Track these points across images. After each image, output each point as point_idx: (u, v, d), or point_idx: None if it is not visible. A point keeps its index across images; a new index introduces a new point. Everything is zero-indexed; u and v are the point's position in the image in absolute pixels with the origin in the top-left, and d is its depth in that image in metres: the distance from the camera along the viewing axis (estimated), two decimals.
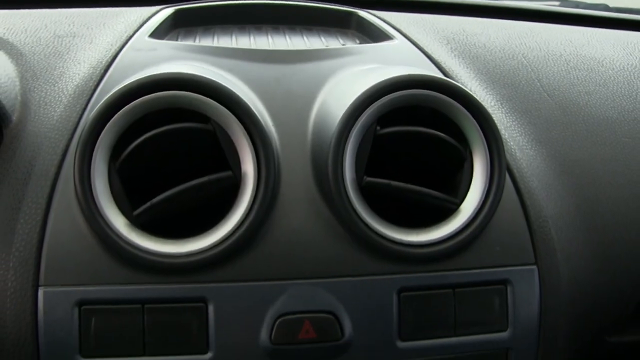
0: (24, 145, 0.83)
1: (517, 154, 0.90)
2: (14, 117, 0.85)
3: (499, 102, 0.98)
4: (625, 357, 1.00)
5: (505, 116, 0.96)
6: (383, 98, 0.78)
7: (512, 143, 0.91)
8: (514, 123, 0.96)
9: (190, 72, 0.76)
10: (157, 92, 0.75)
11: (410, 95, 0.78)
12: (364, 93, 0.77)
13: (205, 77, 0.76)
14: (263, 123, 0.77)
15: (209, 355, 0.76)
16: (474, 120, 0.80)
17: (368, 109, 0.78)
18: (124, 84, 0.75)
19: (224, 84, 0.76)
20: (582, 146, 0.97)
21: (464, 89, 0.79)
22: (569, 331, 0.88)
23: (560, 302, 0.85)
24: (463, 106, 0.79)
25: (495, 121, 0.80)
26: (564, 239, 0.88)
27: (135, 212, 0.73)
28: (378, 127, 0.78)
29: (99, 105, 0.75)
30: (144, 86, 0.75)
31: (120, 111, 0.74)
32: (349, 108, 0.77)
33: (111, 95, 0.75)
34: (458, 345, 0.81)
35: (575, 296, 0.88)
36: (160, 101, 0.75)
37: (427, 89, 0.79)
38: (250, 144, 0.76)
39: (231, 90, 0.76)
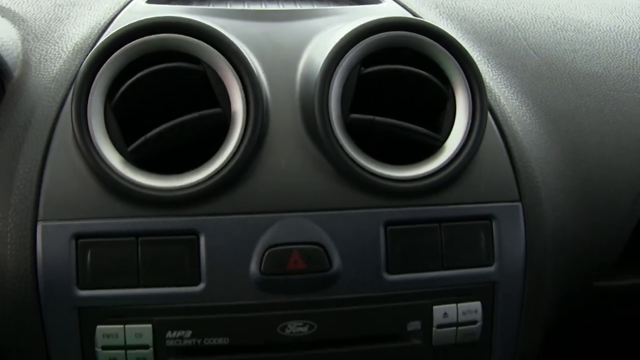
0: (25, 96, 0.87)
1: (502, 101, 0.93)
2: (16, 74, 0.89)
3: (485, 58, 1.01)
4: (612, 302, 1.01)
5: (491, 70, 0.99)
6: (365, 40, 0.81)
7: (496, 91, 0.94)
8: (499, 77, 0.98)
9: (181, 16, 0.80)
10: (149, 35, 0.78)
11: (391, 36, 0.82)
12: (346, 35, 0.81)
13: (195, 20, 0.79)
14: (252, 64, 0.80)
15: (201, 286, 0.78)
16: (455, 60, 0.82)
17: (351, 50, 0.81)
18: (119, 29, 0.79)
19: (213, 26, 0.80)
20: (568, 98, 0.99)
21: (443, 30, 0.82)
22: (555, 273, 0.89)
23: (545, 240, 0.87)
24: (443, 47, 0.82)
25: (477, 63, 0.83)
26: (548, 181, 0.90)
27: (130, 148, 0.77)
28: (362, 68, 0.81)
29: (94, 48, 0.79)
30: (137, 30, 0.79)
31: (115, 53, 0.78)
32: (332, 49, 0.81)
33: (106, 38, 0.79)
34: (445, 278, 0.83)
35: (560, 238, 0.89)
36: (153, 43, 0.79)
37: (408, 31, 0.82)
38: (240, 83, 0.79)
39: (220, 32, 0.80)
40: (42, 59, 0.91)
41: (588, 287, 0.96)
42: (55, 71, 0.89)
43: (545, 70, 1.02)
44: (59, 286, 0.78)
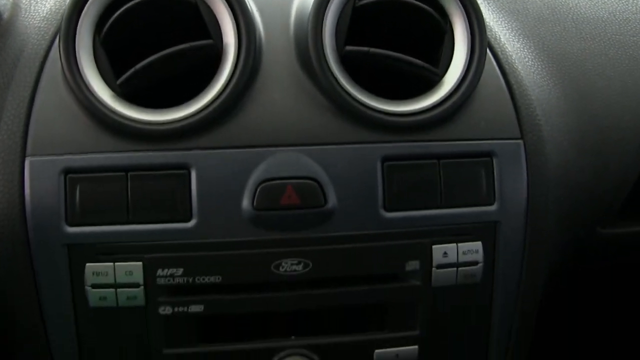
0: (15, 36, 0.85)
1: (502, 41, 0.90)
2: (5, 15, 0.88)
3: (485, 1, 0.98)
4: (615, 250, 0.98)
5: (492, 13, 0.96)
6: None
7: (497, 31, 0.91)
8: (501, 19, 0.96)
9: None
10: None
11: None
12: None
13: None
14: None
15: (193, 222, 0.76)
16: None
17: None
18: None
19: None
20: (571, 41, 0.96)
21: None
22: (559, 216, 0.87)
23: (547, 180, 0.84)
24: None
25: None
26: (551, 121, 0.87)
27: (119, 80, 0.74)
28: (357, 0, 0.79)
29: None
30: None
31: None
32: None
33: None
34: (444, 216, 0.80)
35: (564, 180, 0.87)
36: None
37: None
38: (231, 15, 0.77)
39: None
40: (32, 1, 0.89)
41: (592, 234, 0.93)
42: (45, 11, 0.87)
43: (549, 14, 0.99)
44: (48, 223, 0.76)
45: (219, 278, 0.77)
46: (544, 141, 0.85)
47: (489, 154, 0.82)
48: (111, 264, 0.76)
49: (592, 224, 0.92)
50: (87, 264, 0.76)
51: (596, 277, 1.06)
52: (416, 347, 0.83)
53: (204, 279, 0.77)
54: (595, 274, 1.03)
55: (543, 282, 0.88)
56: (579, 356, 1.32)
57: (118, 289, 0.77)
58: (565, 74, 0.93)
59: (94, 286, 0.76)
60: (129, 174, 0.76)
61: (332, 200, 0.78)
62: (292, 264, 0.78)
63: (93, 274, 0.76)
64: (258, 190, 0.76)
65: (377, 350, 0.82)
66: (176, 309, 0.78)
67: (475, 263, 0.82)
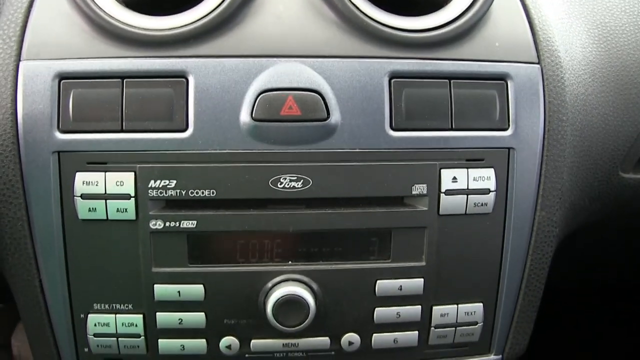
0: None
1: None
2: None
3: None
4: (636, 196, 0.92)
5: None
6: None
7: None
8: None
9: None
10: None
11: None
12: None
13: None
14: None
15: (189, 132, 0.73)
16: None
17: None
18: None
19: None
20: None
21: None
22: (578, 151, 0.82)
23: (565, 109, 0.79)
24: None
25: None
26: (571, 51, 0.83)
27: None
28: None
29: None
30: None
31: None
32: None
33: None
34: (455, 139, 0.76)
35: (583, 112, 0.82)
36: None
37: None
38: None
39: None
40: None
41: (613, 176, 0.87)
42: None
43: None
44: (39, 128, 0.73)
45: (213, 192, 0.73)
46: (562, 68, 0.80)
47: (503, 77, 0.77)
48: (102, 173, 0.73)
49: (613, 166, 0.87)
50: (77, 173, 0.73)
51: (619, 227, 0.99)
52: (421, 280, 0.78)
53: (197, 193, 0.73)
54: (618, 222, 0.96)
55: (561, 221, 0.82)
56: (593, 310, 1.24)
57: (108, 200, 0.73)
58: (587, 7, 0.88)
59: (83, 196, 0.73)
60: (124, 80, 0.73)
61: (336, 115, 0.74)
62: (291, 181, 0.74)
63: (83, 183, 0.73)
64: (257, 100, 0.73)
65: (379, 281, 0.77)
66: (167, 224, 0.74)
67: (487, 191, 0.77)
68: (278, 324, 0.74)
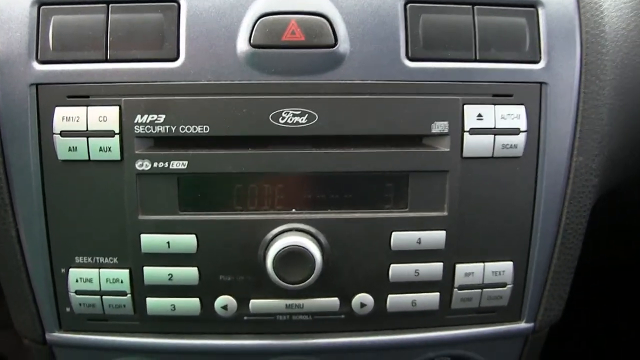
0: None
1: None
2: None
3: None
4: None
5: None
6: None
7: None
8: None
9: None
10: None
11: None
12: None
13: None
14: None
15: (180, 61, 0.66)
16: None
17: None
18: None
19: None
20: None
21: None
22: (619, 90, 0.72)
23: (604, 40, 0.70)
24: None
25: None
26: None
27: None
28: None
29: None
30: None
31: None
32: None
33: None
34: (479, 72, 0.67)
35: (624, 48, 0.73)
36: None
37: None
38: None
39: None
40: None
41: None
42: None
43: None
44: (15, 59, 0.66)
45: (206, 128, 0.65)
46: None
47: (533, 3, 0.68)
48: (83, 108, 0.65)
49: None
50: (57, 108, 0.66)
51: None
52: (443, 232, 0.69)
53: (189, 129, 0.65)
54: None
55: (600, 170, 0.72)
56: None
57: (90, 138, 0.65)
58: None
59: (63, 134, 0.66)
60: (109, 5, 0.66)
61: (344, 42, 0.65)
62: (294, 115, 0.65)
63: (63, 119, 0.65)
64: (256, 25, 0.65)
65: (395, 233, 0.68)
66: (156, 165, 0.66)
67: (517, 131, 0.68)
68: (279, 280, 0.65)
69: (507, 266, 0.71)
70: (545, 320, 0.76)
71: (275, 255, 0.65)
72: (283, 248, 0.65)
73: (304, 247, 0.65)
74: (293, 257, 0.65)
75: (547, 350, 0.80)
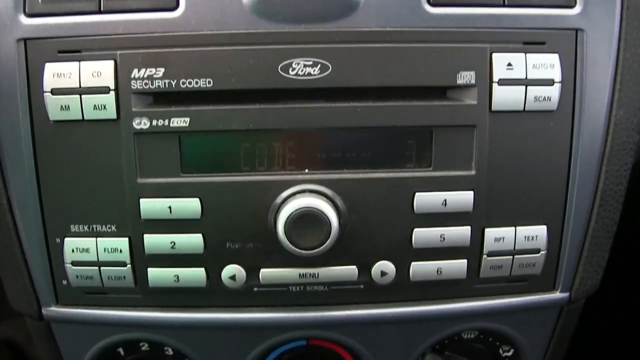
0: None
1: None
2: None
3: None
4: None
5: None
6: None
7: None
8: None
9: None
10: None
11: None
12: None
13: None
14: None
15: (179, 10, 0.61)
16: None
17: None
18: None
19: None
20: None
21: None
22: None
23: None
24: None
25: None
26: None
27: None
28: None
29: None
30: None
31: None
32: None
33: None
34: (509, 17, 0.62)
35: None
36: None
37: None
38: None
39: None
40: None
41: None
42: None
43: None
44: (1, 12, 0.61)
45: (209, 82, 0.60)
46: None
47: None
48: (76, 63, 0.60)
49: None
50: (47, 64, 0.61)
51: None
52: (470, 193, 0.63)
53: (190, 83, 0.60)
54: None
55: None
56: None
57: (83, 96, 0.60)
58: None
59: (54, 92, 0.60)
60: None
61: None
62: (305, 66, 0.60)
63: (53, 75, 0.60)
64: None
65: (418, 194, 0.62)
66: (155, 123, 0.60)
67: (551, 82, 0.62)
68: (292, 246, 0.60)
69: (540, 231, 0.65)
70: (581, 290, 0.70)
71: (287, 218, 0.59)
72: (295, 210, 0.59)
73: (318, 209, 0.59)
74: (306, 220, 0.59)
75: (583, 323, 0.74)
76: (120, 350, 0.72)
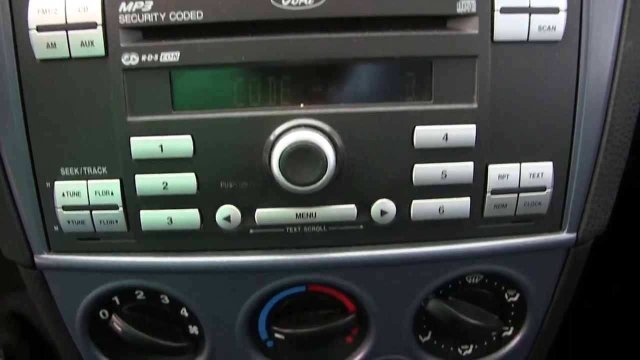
0: None
1: None
2: None
3: None
4: None
5: None
6: None
7: None
8: None
9: None
10: None
11: None
12: None
13: None
14: None
15: None
16: None
17: None
18: None
19: None
20: None
21: None
22: None
23: None
24: None
25: None
26: None
27: None
28: None
29: None
30: None
31: None
32: None
33: None
34: None
35: None
36: None
37: None
38: None
39: None
40: None
41: None
42: None
43: None
44: None
45: (199, 14, 0.57)
46: None
47: None
48: None
49: None
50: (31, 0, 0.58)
51: None
52: (473, 126, 0.60)
53: (180, 16, 0.57)
54: None
55: None
56: None
57: (70, 32, 0.58)
58: None
59: (40, 29, 0.58)
60: None
61: None
62: None
63: (38, 11, 0.58)
64: None
65: (418, 128, 0.60)
66: (144, 58, 0.58)
67: (556, 10, 0.60)
68: (287, 182, 0.57)
69: (546, 167, 0.63)
70: (589, 231, 0.67)
71: (282, 153, 0.57)
72: (290, 145, 0.57)
73: (314, 143, 0.57)
74: (302, 155, 0.57)
75: (591, 266, 0.72)
76: (116, 299, 0.71)
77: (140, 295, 0.70)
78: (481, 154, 0.61)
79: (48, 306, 0.70)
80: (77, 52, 0.58)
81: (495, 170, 0.62)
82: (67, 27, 0.58)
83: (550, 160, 0.63)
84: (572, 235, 0.67)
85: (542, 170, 0.63)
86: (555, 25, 0.59)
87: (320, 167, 0.57)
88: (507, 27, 0.59)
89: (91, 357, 0.74)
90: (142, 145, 0.60)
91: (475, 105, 0.60)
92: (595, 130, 0.63)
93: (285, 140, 0.57)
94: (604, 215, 0.67)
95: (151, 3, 0.57)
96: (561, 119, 0.62)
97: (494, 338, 0.76)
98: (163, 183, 0.61)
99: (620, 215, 0.70)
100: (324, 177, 0.58)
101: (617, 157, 0.65)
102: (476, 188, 0.62)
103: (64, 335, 0.72)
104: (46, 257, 0.66)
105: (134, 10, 0.57)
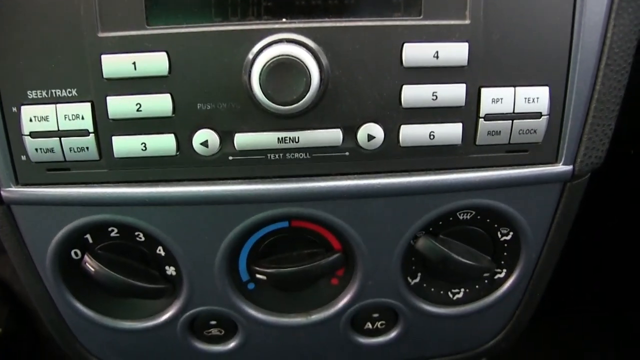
0: None
1: None
2: None
3: None
4: None
5: None
6: None
7: None
8: None
9: None
10: None
11: None
12: None
13: None
14: None
15: None
16: None
17: None
18: None
19: None
20: None
21: None
22: None
23: None
24: None
25: None
26: None
27: None
28: None
29: None
30: None
31: None
32: None
33: None
34: None
35: None
36: None
37: None
38: None
39: None
40: None
41: None
42: None
43: None
44: None
45: None
46: None
47: None
48: None
49: None
50: None
51: None
52: (465, 44, 0.57)
53: None
54: None
55: None
56: None
57: None
58: None
59: None
60: None
61: None
62: None
63: None
64: None
65: (407, 45, 0.56)
66: None
67: None
68: (267, 100, 0.54)
69: (542, 92, 0.60)
70: (586, 163, 0.64)
71: (262, 68, 0.53)
72: (271, 59, 0.53)
73: (296, 58, 0.53)
74: (284, 70, 0.53)
75: (588, 201, 0.69)
76: (88, 237, 0.67)
77: (114, 233, 0.67)
78: (474, 75, 0.58)
79: (16, 245, 0.66)
80: None
81: (488, 94, 0.59)
82: None
83: (546, 84, 0.60)
84: (569, 168, 0.64)
85: (538, 95, 0.60)
86: None
87: (303, 84, 0.54)
88: None
89: (63, 301, 0.70)
90: (114, 63, 0.56)
91: (467, 22, 0.57)
92: (593, 52, 0.60)
93: (266, 54, 0.54)
94: (602, 147, 0.64)
95: None
96: (558, 40, 0.59)
97: (486, 281, 0.73)
98: (137, 104, 0.57)
99: (618, 149, 0.67)
100: (307, 95, 0.54)
101: (616, 82, 0.62)
102: (468, 112, 0.59)
103: (34, 277, 0.68)
104: (13, 190, 0.62)
105: None
